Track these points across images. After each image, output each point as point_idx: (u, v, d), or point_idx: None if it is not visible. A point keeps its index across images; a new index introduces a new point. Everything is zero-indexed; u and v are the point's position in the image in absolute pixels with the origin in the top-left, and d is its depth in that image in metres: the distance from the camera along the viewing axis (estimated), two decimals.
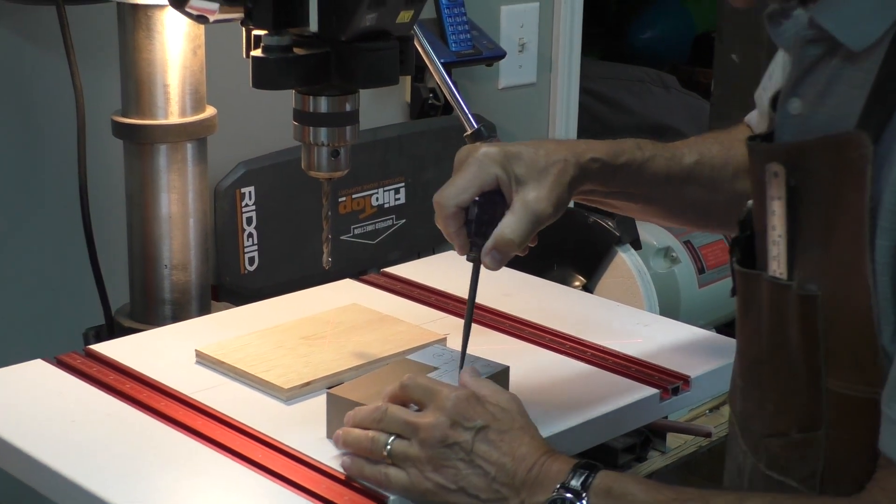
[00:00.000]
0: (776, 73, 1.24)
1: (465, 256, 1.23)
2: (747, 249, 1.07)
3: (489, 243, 1.20)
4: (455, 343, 1.40)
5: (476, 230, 1.21)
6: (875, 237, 0.93)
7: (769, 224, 1.02)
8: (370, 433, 1.13)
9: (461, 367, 1.22)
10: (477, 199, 1.21)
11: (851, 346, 0.96)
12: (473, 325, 1.49)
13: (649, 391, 1.34)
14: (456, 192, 1.22)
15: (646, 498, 1.03)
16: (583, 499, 1.04)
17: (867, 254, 0.93)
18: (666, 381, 1.36)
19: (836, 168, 0.95)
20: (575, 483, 1.06)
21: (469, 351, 1.31)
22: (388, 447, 1.12)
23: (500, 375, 1.27)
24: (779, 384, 1.04)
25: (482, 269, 1.23)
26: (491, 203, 1.21)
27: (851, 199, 0.94)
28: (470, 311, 1.24)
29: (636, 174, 1.28)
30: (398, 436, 1.12)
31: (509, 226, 1.20)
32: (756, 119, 1.35)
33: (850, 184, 0.94)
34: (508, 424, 1.12)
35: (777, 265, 1.01)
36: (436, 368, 1.25)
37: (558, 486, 1.06)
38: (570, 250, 1.94)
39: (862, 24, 0.96)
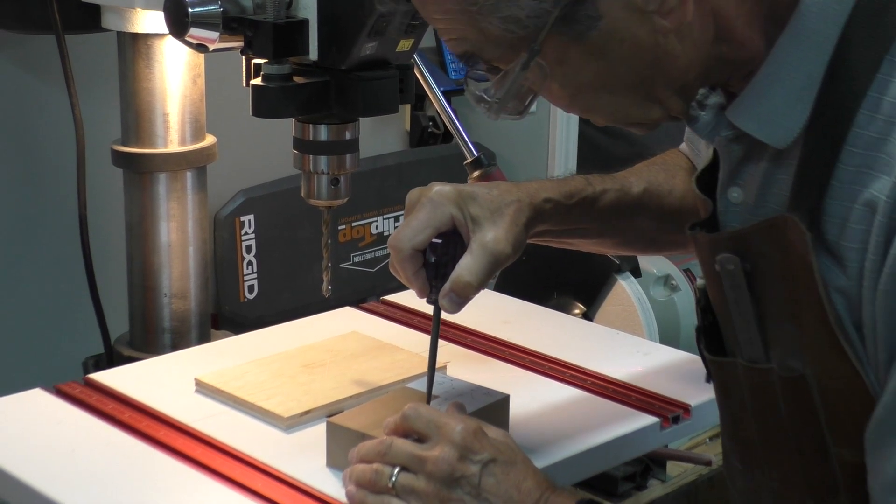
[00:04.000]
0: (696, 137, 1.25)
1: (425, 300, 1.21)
2: (713, 334, 1.06)
3: (447, 286, 1.17)
4: (456, 371, 1.40)
5: (435, 273, 1.18)
6: (842, 317, 0.92)
7: (734, 312, 1.00)
8: (374, 466, 1.12)
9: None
10: (434, 241, 1.18)
11: (852, 418, 0.94)
12: (474, 353, 1.50)
13: (649, 419, 1.34)
14: (411, 233, 1.18)
15: None
16: None
17: (839, 333, 0.92)
18: (666, 409, 1.36)
19: (781, 248, 0.94)
20: None
21: (469, 379, 1.31)
22: (394, 479, 1.10)
23: (501, 404, 1.27)
24: (780, 460, 1.02)
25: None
26: (449, 244, 1.18)
27: (804, 282, 0.93)
28: (433, 355, 1.22)
29: (588, 210, 1.27)
30: (403, 468, 1.11)
31: (467, 268, 1.17)
32: (688, 150, 1.37)
33: (797, 266, 0.93)
34: (513, 457, 1.11)
35: (751, 349, 1.00)
36: (436, 397, 1.24)
37: None
38: (569, 278, 1.94)
39: (780, 121, 0.95)
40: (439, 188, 1.19)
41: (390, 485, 1.10)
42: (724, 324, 1.04)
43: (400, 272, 1.20)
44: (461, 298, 1.17)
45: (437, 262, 1.18)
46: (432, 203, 1.18)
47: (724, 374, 1.06)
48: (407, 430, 1.13)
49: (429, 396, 1.22)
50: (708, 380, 1.10)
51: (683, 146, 1.38)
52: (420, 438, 1.13)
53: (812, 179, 0.93)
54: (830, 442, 0.96)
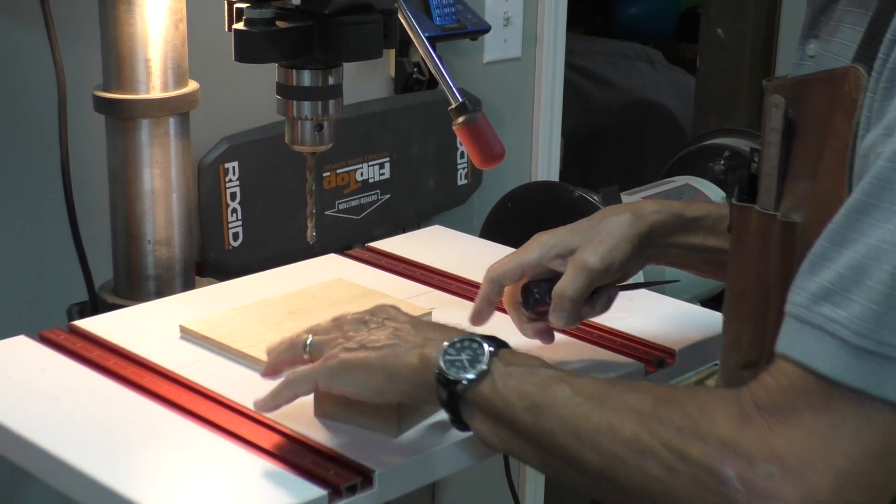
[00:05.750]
0: None
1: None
2: (750, 187, 1.09)
3: (552, 304, 1.24)
4: (441, 317, 1.40)
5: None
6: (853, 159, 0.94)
7: (765, 156, 1.04)
8: (290, 338, 1.17)
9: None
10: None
11: None
12: (459, 300, 1.50)
13: (634, 365, 1.34)
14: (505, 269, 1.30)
15: (548, 365, 1.05)
16: (487, 345, 1.07)
17: (846, 179, 0.94)
18: (651, 354, 1.36)
19: (831, 101, 0.96)
20: (481, 338, 1.08)
21: (451, 324, 1.31)
22: (308, 343, 1.14)
23: None
24: (756, 314, 1.05)
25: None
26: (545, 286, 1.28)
27: (841, 128, 0.95)
28: None
29: (717, 229, 1.29)
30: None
31: (561, 282, 1.24)
32: None
33: (841, 115, 0.95)
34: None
35: (767, 196, 1.03)
36: None
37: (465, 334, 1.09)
38: (555, 225, 1.94)
39: None
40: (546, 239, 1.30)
41: (306, 353, 1.14)
42: (760, 176, 1.07)
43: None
44: (564, 311, 1.24)
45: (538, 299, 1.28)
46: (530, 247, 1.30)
47: (741, 221, 1.09)
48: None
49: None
50: (729, 230, 1.14)
51: None
52: None
53: (884, 20, 0.93)
54: None
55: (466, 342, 1.07)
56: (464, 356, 1.06)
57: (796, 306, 0.91)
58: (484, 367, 1.05)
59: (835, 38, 1.02)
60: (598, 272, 1.24)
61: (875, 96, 0.92)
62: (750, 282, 1.07)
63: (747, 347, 1.08)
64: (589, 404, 0.99)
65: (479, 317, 1.31)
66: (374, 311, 1.17)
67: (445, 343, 1.08)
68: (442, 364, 1.06)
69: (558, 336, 1.41)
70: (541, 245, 1.29)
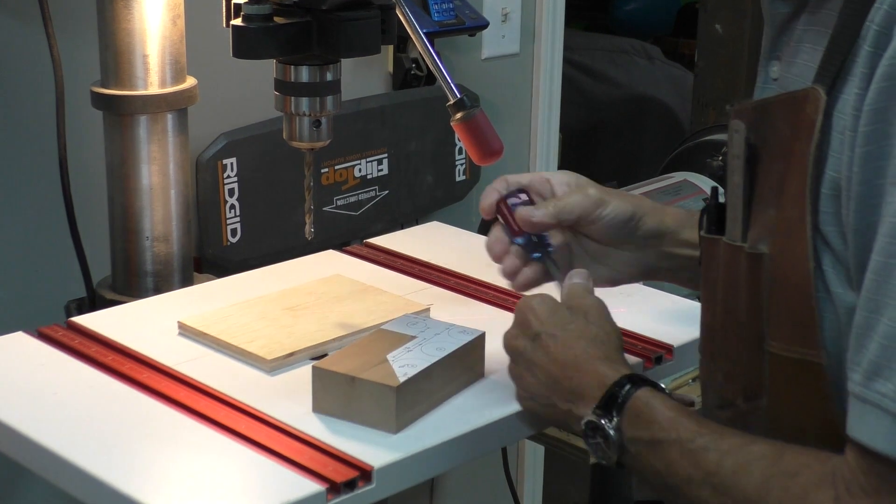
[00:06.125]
0: None
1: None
2: (718, 218, 1.07)
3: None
4: (438, 313, 1.40)
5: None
6: (820, 185, 0.93)
7: (729, 185, 1.02)
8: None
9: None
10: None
11: (790, 306, 0.95)
12: (457, 296, 1.50)
13: (633, 360, 1.34)
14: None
15: (668, 428, 1.02)
16: (613, 421, 1.06)
17: (808, 205, 0.93)
18: (649, 350, 1.36)
19: (794, 125, 0.94)
20: (608, 405, 1.07)
21: (449, 320, 1.31)
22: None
23: (477, 341, 1.27)
24: (729, 351, 1.04)
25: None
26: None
27: (804, 152, 0.93)
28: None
29: None
30: None
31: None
32: None
33: (804, 139, 0.93)
34: (560, 328, 1.14)
35: (734, 227, 1.02)
36: (414, 337, 1.25)
37: (595, 406, 1.08)
38: None
39: None
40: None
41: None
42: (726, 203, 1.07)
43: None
44: (541, 207, 1.27)
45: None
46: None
47: (709, 253, 1.08)
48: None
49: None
50: (699, 263, 1.12)
51: None
52: None
53: (843, 39, 0.92)
54: (766, 333, 0.98)
55: (594, 423, 1.07)
56: (599, 438, 1.07)
57: (855, 384, 0.89)
58: (617, 443, 1.06)
59: (796, 60, 0.99)
60: (582, 183, 1.28)
61: (855, 135, 0.89)
62: (719, 318, 1.05)
63: (722, 386, 1.06)
64: (706, 489, 0.99)
65: (485, 204, 1.30)
66: (516, 332, 1.18)
67: (583, 425, 1.09)
68: (588, 449, 1.09)
69: None
70: (562, 173, 1.31)
